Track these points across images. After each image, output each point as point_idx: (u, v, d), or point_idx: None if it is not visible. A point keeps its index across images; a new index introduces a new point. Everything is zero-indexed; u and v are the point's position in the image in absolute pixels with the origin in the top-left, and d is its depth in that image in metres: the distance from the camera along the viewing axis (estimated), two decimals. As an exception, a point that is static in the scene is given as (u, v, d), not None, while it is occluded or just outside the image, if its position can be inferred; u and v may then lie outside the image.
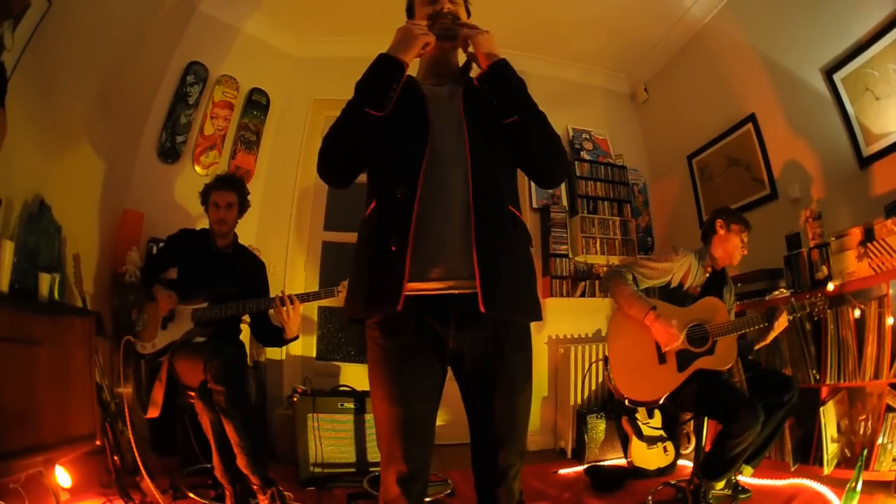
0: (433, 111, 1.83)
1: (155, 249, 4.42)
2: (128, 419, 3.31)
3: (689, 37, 5.61)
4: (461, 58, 2.05)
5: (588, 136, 6.17)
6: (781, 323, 3.22)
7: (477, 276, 1.61)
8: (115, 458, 3.20)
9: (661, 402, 3.21)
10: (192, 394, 3.21)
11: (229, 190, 3.68)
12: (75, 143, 3.81)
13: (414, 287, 1.64)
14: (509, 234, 1.74)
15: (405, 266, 1.61)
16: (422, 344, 1.67)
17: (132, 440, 3.25)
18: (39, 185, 3.34)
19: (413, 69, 1.98)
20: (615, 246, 5.79)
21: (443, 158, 1.74)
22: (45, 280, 3.01)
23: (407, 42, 1.81)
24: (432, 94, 1.90)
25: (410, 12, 2.06)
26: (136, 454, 3.21)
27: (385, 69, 1.77)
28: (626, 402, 3.28)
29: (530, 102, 1.82)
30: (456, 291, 1.65)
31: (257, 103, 5.51)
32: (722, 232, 3.48)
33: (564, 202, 5.88)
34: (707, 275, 3.44)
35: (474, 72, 1.94)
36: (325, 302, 4.49)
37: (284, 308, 3.30)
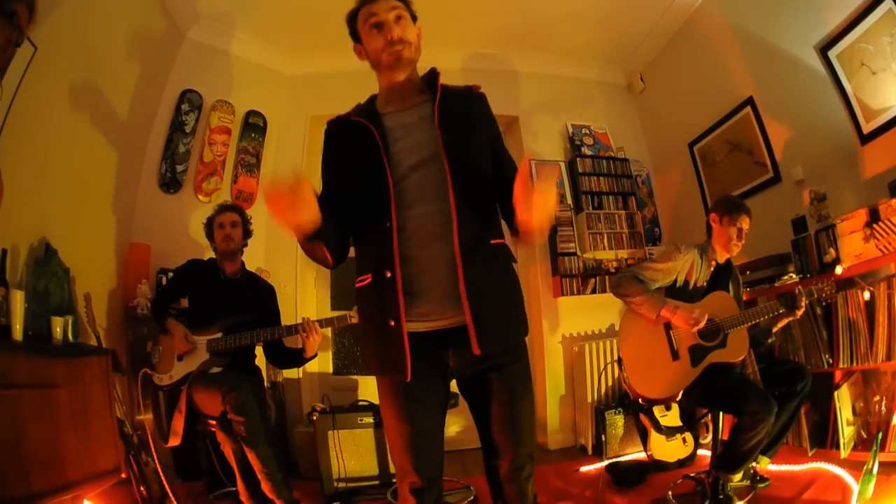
0: (402, 146, 1.82)
1: (165, 280, 4.47)
2: (153, 449, 3.36)
3: (682, 22, 5.57)
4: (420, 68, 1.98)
5: (588, 132, 6.13)
6: (801, 309, 3.23)
7: (469, 323, 1.68)
8: (142, 488, 3.26)
9: (677, 398, 3.23)
10: (213, 423, 3.28)
11: (231, 211, 3.78)
12: (75, 181, 3.83)
13: (414, 328, 1.74)
14: (494, 269, 1.79)
15: (404, 342, 1.71)
16: (424, 366, 1.76)
17: (159, 469, 3.31)
18: (43, 227, 3.38)
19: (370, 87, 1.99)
20: (622, 240, 5.76)
21: (420, 194, 1.78)
22: (57, 323, 3.05)
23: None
24: (399, 125, 1.87)
25: (356, 36, 1.94)
26: (164, 482, 3.28)
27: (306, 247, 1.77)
28: (641, 400, 3.31)
29: None
30: (450, 326, 1.74)
31: (254, 125, 5.51)
32: (716, 226, 3.45)
33: (569, 200, 5.86)
34: (711, 269, 3.44)
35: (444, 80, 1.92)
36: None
37: (306, 334, 3.39)
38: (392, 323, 1.71)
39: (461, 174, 1.76)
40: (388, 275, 1.73)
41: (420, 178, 1.79)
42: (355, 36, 1.94)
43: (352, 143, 1.88)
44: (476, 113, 1.92)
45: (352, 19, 1.93)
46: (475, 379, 1.80)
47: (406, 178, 1.79)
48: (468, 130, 1.84)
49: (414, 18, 1.92)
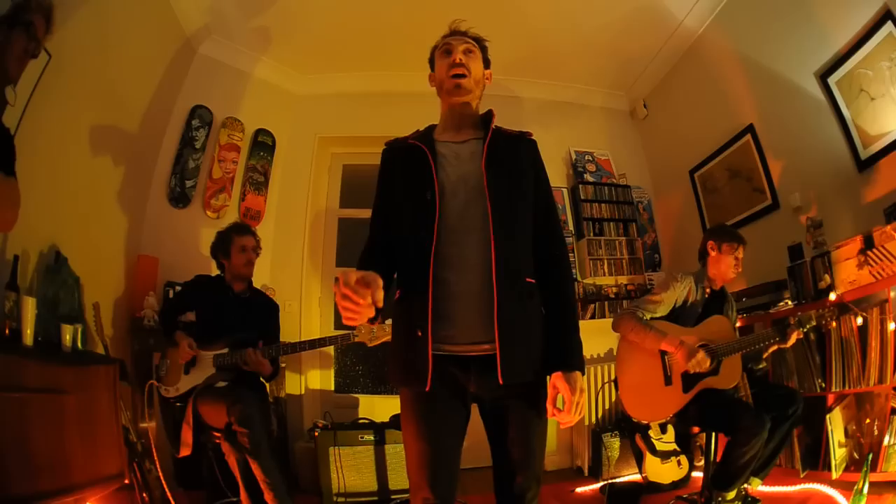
0: (451, 173, 1.94)
1: (172, 293, 4.52)
2: (155, 457, 3.42)
3: (684, 49, 5.64)
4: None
5: (591, 158, 6.21)
6: (793, 340, 3.28)
7: (498, 356, 1.74)
8: (144, 494, 3.31)
9: (668, 420, 3.30)
10: (218, 434, 3.34)
11: (251, 234, 3.87)
12: (86, 192, 3.88)
13: (440, 348, 1.80)
14: (525, 305, 1.85)
15: (428, 352, 1.76)
16: (446, 389, 1.82)
17: (161, 477, 3.36)
18: (53, 235, 3.44)
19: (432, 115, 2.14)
20: (623, 266, 5.85)
21: (461, 222, 1.87)
22: (67, 331, 3.10)
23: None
24: (452, 154, 1.99)
25: (432, 63, 2.17)
26: (166, 489, 3.33)
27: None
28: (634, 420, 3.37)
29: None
30: (476, 353, 1.80)
31: (263, 144, 5.58)
32: (713, 253, 3.53)
33: (570, 226, 5.95)
34: (707, 295, 3.50)
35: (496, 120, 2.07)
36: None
37: (252, 361, 3.52)
38: (419, 333, 1.78)
39: (500, 211, 1.85)
40: (420, 288, 1.81)
41: (462, 207, 1.88)
42: (432, 64, 2.17)
43: (405, 163, 2.01)
44: (524, 157, 2.03)
45: (433, 50, 2.16)
46: (494, 404, 1.86)
47: (450, 204, 1.88)
48: (512, 173, 1.95)
49: (486, 63, 2.14)
